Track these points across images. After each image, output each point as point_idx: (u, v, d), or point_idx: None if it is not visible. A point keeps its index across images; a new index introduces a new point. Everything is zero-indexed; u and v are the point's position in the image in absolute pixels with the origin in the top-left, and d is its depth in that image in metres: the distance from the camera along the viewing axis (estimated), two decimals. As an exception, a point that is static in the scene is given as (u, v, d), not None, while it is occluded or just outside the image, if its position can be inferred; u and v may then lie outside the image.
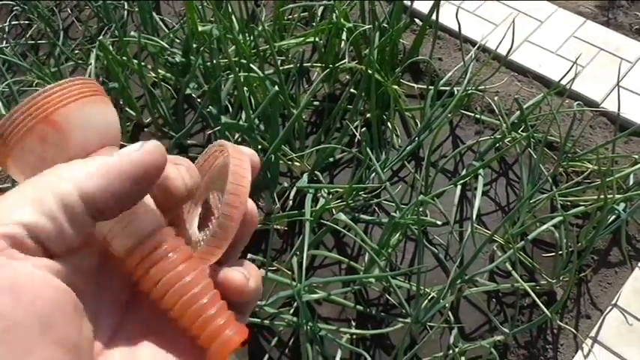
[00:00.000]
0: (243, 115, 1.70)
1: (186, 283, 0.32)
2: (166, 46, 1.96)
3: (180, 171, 0.35)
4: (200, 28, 1.84)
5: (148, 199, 0.34)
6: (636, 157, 1.76)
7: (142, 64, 1.99)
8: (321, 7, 2.16)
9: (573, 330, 1.51)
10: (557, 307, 1.42)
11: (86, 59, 2.09)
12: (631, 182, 1.70)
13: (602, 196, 1.51)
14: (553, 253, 1.62)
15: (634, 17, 2.21)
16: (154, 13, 2.12)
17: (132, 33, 2.05)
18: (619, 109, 1.69)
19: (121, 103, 1.84)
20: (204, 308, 0.32)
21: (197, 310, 0.32)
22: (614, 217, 1.61)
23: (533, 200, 1.62)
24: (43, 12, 2.29)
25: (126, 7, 2.26)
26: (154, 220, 0.34)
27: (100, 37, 2.15)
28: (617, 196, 1.59)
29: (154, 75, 1.90)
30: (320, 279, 1.43)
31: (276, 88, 1.54)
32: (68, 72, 2.08)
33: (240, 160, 0.36)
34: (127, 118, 1.96)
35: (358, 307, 1.52)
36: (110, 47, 1.96)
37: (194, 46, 1.89)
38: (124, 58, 1.82)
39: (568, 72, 1.75)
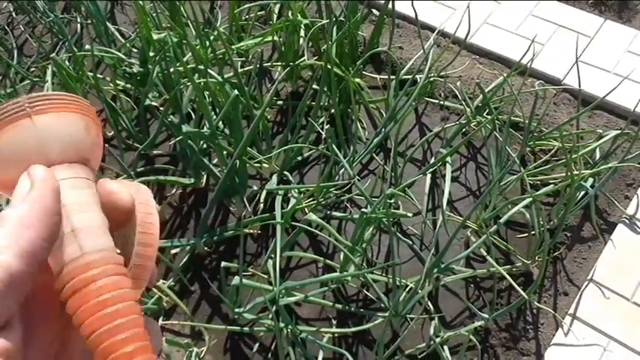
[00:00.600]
0: (207, 122, 1.68)
1: (105, 314, 0.32)
2: (123, 57, 1.93)
3: (124, 184, 0.35)
4: (155, 37, 1.81)
5: (88, 217, 0.34)
6: (600, 131, 1.77)
7: (101, 76, 1.96)
8: (278, 5, 2.14)
9: (551, 310, 1.52)
10: (533, 287, 1.43)
11: (43, 77, 2.05)
12: (597, 156, 1.71)
13: (569, 174, 1.52)
14: (526, 234, 1.62)
15: (589, -9, 2.22)
16: (109, 24, 2.08)
17: (87, 46, 2.01)
18: (580, 85, 1.69)
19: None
20: (114, 332, 0.31)
21: (106, 333, 0.31)
22: (583, 192, 1.62)
23: (503, 182, 1.62)
24: (-5, 31, 2.25)
25: (79, 20, 2.22)
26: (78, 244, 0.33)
27: (55, 52, 2.11)
28: (585, 171, 1.60)
29: (112, 87, 1.87)
30: (296, 282, 1.41)
31: (236, 92, 1.52)
32: (24, 91, 2.04)
33: (147, 206, 0.36)
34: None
35: (337, 305, 1.51)
36: (67, 62, 1.93)
37: (151, 54, 1.86)
38: (79, 73, 1.79)
39: (527, 51, 1.75)
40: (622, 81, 1.78)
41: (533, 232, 1.50)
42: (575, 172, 1.52)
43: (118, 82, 1.93)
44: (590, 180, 1.64)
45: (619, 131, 1.67)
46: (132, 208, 0.35)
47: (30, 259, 0.30)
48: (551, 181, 1.70)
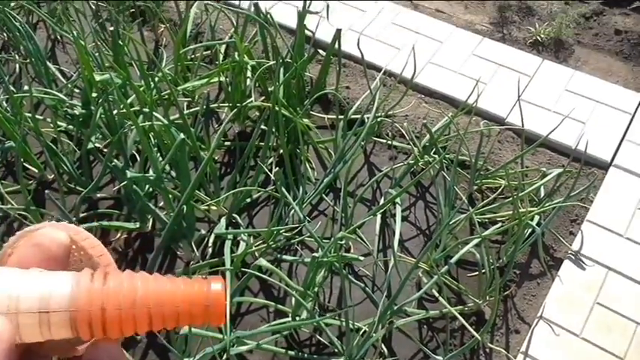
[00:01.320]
0: (152, 166, 1.64)
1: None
2: (64, 98, 1.87)
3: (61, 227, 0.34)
4: (98, 78, 1.77)
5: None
6: (544, 169, 1.81)
7: (41, 117, 1.89)
8: (224, 46, 2.13)
9: (504, 350, 1.53)
10: (486, 328, 1.43)
11: (-22, 118, 1.96)
12: (542, 194, 1.74)
13: (516, 212, 1.54)
14: (477, 273, 1.63)
15: (527, 31, 2.30)
16: (50, 63, 2.02)
17: (25, 87, 1.94)
18: (523, 124, 1.73)
19: (21, 161, 1.74)
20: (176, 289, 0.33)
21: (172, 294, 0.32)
22: (530, 230, 1.64)
23: (453, 222, 1.63)
24: None
25: (17, 59, 2.15)
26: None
27: (-9, 93, 2.03)
28: (531, 209, 1.63)
29: (53, 129, 1.80)
30: (247, 332, 1.38)
31: (182, 135, 1.49)
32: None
33: (90, 240, 0.36)
34: (29, 176, 1.86)
35: (290, 352, 1.48)
36: (4, 104, 1.86)
37: (94, 96, 1.81)
38: (18, 115, 1.72)
39: (472, 92, 1.79)
40: (562, 120, 1.83)
41: (483, 271, 1.51)
42: (522, 210, 1.55)
43: (59, 123, 1.87)
44: (537, 217, 1.66)
45: (562, 169, 1.71)
46: (69, 243, 0.34)
47: None
48: (498, 219, 1.72)
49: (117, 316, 0.32)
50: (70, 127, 1.93)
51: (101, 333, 0.32)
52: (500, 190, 1.78)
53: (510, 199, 1.68)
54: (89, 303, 0.32)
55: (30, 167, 1.85)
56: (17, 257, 0.33)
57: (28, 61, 2.07)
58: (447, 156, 1.80)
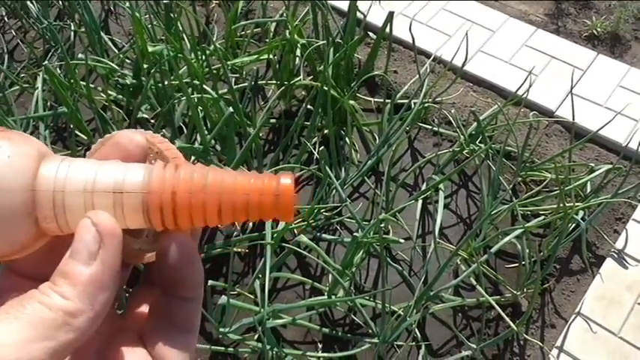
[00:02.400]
0: (199, 136, 1.66)
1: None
2: (116, 67, 1.90)
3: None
4: (150, 49, 1.79)
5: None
6: (592, 164, 1.78)
7: (92, 86, 1.93)
8: (274, 24, 2.13)
9: (539, 342, 1.51)
10: (523, 319, 1.42)
11: (33, 83, 2.02)
12: (588, 190, 1.71)
13: (561, 206, 1.52)
14: (516, 264, 1.62)
15: (582, 25, 2.25)
16: (103, 33, 2.06)
17: (80, 55, 1.98)
18: (573, 118, 1.70)
19: (71, 127, 1.78)
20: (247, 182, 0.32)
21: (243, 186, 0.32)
22: (573, 225, 1.62)
23: (495, 212, 1.62)
24: (-14, 35, 2.22)
25: (72, 27, 2.20)
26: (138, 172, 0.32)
27: (47, 59, 2.08)
28: (577, 204, 1.60)
29: (104, 97, 1.84)
30: (283, 305, 1.39)
31: (231, 109, 1.51)
32: (14, 97, 2.01)
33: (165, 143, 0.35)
34: (79, 143, 1.90)
35: (324, 329, 1.49)
36: (58, 70, 1.90)
37: (145, 67, 1.84)
38: (71, 81, 1.76)
39: (523, 83, 1.76)
40: (615, 116, 1.79)
41: (523, 263, 1.50)
42: (568, 205, 1.52)
43: (109, 92, 1.90)
44: (581, 213, 1.64)
45: (610, 166, 1.68)
46: (146, 143, 0.34)
47: (99, 319, 0.30)
48: (541, 212, 1.69)
49: (187, 199, 0.31)
50: (120, 96, 1.96)
51: (172, 219, 0.31)
52: (545, 183, 1.76)
53: (555, 192, 1.66)
54: (161, 187, 0.31)
55: (79, 134, 1.89)
56: (98, 156, 0.34)
57: (82, 30, 2.11)
58: (492, 146, 1.78)
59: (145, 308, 0.36)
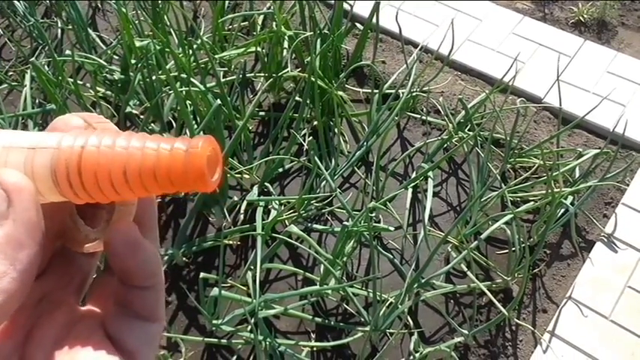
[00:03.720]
0: (188, 131, 1.66)
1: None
2: (104, 63, 1.90)
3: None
4: (137, 44, 1.79)
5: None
6: (580, 149, 1.79)
7: (80, 82, 1.93)
8: (262, 16, 2.13)
9: (530, 327, 1.52)
10: (513, 304, 1.43)
11: (21, 81, 2.01)
12: (577, 175, 1.72)
13: (550, 191, 1.53)
14: (506, 251, 1.63)
15: (569, 11, 2.25)
16: (90, 30, 2.06)
17: (67, 51, 1.98)
18: (560, 104, 1.71)
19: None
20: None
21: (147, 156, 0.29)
22: (563, 210, 1.63)
23: (484, 199, 1.63)
24: (-28, 34, 2.21)
25: (60, 25, 2.19)
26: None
27: (34, 57, 2.07)
28: (565, 189, 1.61)
29: (92, 94, 1.84)
30: (276, 295, 1.40)
31: (219, 101, 1.51)
32: (2, 95, 2.00)
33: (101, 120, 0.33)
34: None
35: (317, 318, 1.50)
36: (46, 67, 1.90)
37: (133, 62, 1.83)
38: (59, 78, 1.76)
39: (510, 69, 1.77)
40: (601, 101, 1.80)
41: (513, 249, 1.51)
42: (556, 190, 1.53)
43: (98, 88, 1.90)
44: (570, 198, 1.65)
45: (598, 150, 1.69)
46: (83, 125, 0.32)
47: (27, 280, 0.29)
48: (531, 199, 1.70)
49: (92, 156, 0.29)
50: (109, 92, 1.96)
51: (77, 179, 0.29)
52: (534, 169, 1.77)
53: (544, 178, 1.67)
54: (72, 144, 0.29)
55: (69, 130, 1.89)
56: None
57: (69, 27, 2.11)
58: (481, 133, 1.79)
59: (107, 295, 0.35)
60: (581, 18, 2.21)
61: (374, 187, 1.66)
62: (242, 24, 2.17)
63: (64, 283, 0.34)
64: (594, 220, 1.71)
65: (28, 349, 0.31)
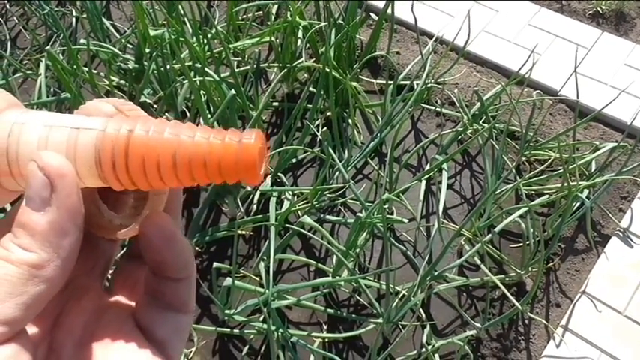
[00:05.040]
0: (202, 120, 1.66)
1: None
2: (118, 52, 1.90)
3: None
4: (152, 33, 1.79)
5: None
6: (597, 143, 1.77)
7: (95, 71, 1.93)
8: (276, 6, 2.12)
9: (544, 321, 1.52)
10: (527, 298, 1.42)
11: (36, 70, 2.02)
12: (593, 168, 1.70)
13: (565, 185, 1.51)
14: (520, 244, 1.62)
15: (587, 3, 2.23)
16: (104, 19, 2.06)
17: (82, 40, 1.98)
18: (577, 96, 1.69)
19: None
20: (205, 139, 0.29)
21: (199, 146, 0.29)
22: (578, 204, 1.61)
23: (498, 191, 1.62)
24: (-12, 22, 2.22)
25: (74, 13, 2.19)
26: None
27: (49, 45, 2.08)
28: (581, 183, 1.60)
29: (107, 82, 1.84)
30: (288, 285, 1.40)
31: (233, 91, 1.50)
32: (17, 84, 2.01)
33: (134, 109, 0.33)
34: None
35: (329, 310, 1.50)
36: (60, 56, 1.90)
37: (147, 51, 1.83)
38: (74, 67, 1.76)
39: (526, 61, 1.75)
40: (619, 94, 1.78)
41: (527, 242, 1.50)
42: (572, 184, 1.52)
43: (112, 77, 1.90)
44: (586, 192, 1.63)
45: (615, 144, 1.67)
46: (114, 112, 0.32)
47: (68, 267, 0.29)
48: (545, 192, 1.69)
49: (142, 140, 0.29)
50: (123, 81, 1.96)
51: (123, 164, 0.29)
52: (549, 162, 1.75)
53: (559, 171, 1.65)
54: (118, 126, 0.29)
55: (83, 119, 1.89)
56: None
57: (84, 16, 2.11)
58: (496, 125, 1.77)
59: (133, 284, 0.36)
60: (599, 9, 2.19)
61: (387, 179, 1.65)
62: (256, 14, 2.16)
63: (88, 268, 0.34)
64: (610, 215, 1.69)
65: (56, 336, 0.31)
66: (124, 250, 0.37)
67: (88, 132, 0.29)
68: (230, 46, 1.91)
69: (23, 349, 0.27)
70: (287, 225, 1.53)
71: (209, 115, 1.67)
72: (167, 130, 0.29)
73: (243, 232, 1.65)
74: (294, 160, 1.78)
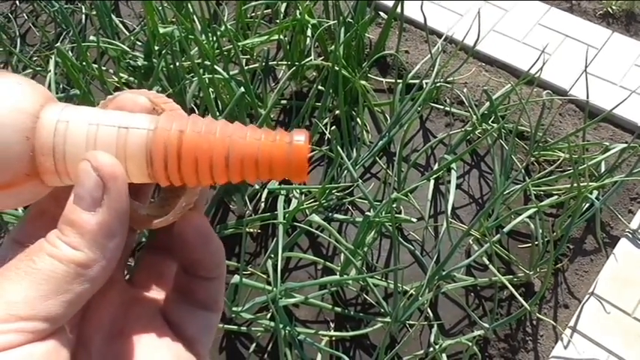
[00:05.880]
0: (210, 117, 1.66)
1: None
2: (127, 49, 1.91)
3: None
4: (161, 30, 1.79)
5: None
6: (606, 143, 1.76)
7: (104, 68, 1.94)
8: (285, 4, 2.12)
9: (552, 321, 1.51)
10: (535, 299, 1.42)
11: (45, 66, 2.02)
12: (602, 169, 1.70)
13: (575, 185, 1.50)
14: (529, 244, 1.61)
15: (597, 2, 2.21)
16: (113, 16, 2.06)
17: (91, 37, 1.98)
18: (587, 96, 1.68)
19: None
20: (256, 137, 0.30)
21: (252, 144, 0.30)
22: (587, 205, 1.61)
23: (507, 192, 1.61)
24: (-2, 18, 2.22)
25: (84, 10, 2.20)
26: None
27: (59, 42, 2.08)
28: (590, 184, 1.59)
29: (116, 79, 1.85)
30: (296, 283, 1.40)
31: (242, 89, 1.50)
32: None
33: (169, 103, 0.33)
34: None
35: (336, 308, 1.49)
36: (70, 53, 1.91)
37: (156, 48, 1.84)
38: (83, 63, 1.77)
39: (536, 61, 1.74)
40: (629, 95, 1.77)
41: (536, 243, 1.49)
42: (581, 184, 1.51)
43: (121, 74, 1.91)
44: (595, 193, 1.63)
45: (625, 145, 1.66)
46: (150, 105, 0.32)
47: (112, 266, 0.29)
48: (555, 192, 1.68)
49: (195, 139, 0.29)
50: (132, 78, 1.96)
51: (175, 163, 0.29)
52: (558, 162, 1.74)
53: (569, 172, 1.64)
54: (168, 127, 0.29)
55: (92, 116, 1.90)
56: None
57: (93, 12, 2.12)
58: (505, 125, 1.77)
59: (157, 278, 0.36)
60: (609, 9, 2.17)
61: (395, 178, 1.65)
62: (265, 11, 2.16)
63: None
64: (619, 216, 1.69)
65: (84, 330, 0.31)
66: (144, 241, 0.37)
67: (137, 131, 0.29)
68: (239, 43, 1.91)
69: (62, 345, 0.27)
70: (295, 223, 1.53)
71: (217, 113, 1.67)
72: (218, 130, 0.30)
73: (251, 230, 1.65)
74: (302, 159, 1.77)
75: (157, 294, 0.35)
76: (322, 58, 1.91)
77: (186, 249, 0.33)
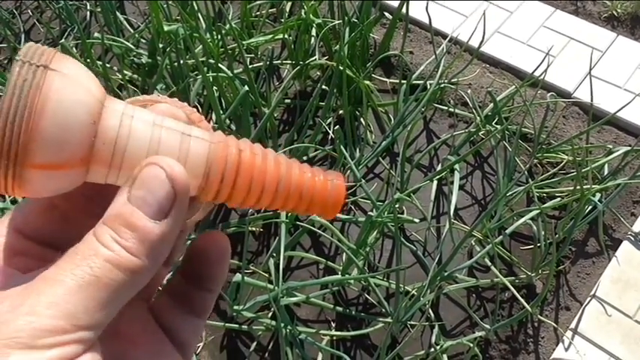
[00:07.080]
0: (214, 116, 1.66)
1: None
2: (132, 46, 1.91)
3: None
4: (166, 28, 1.79)
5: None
6: (610, 146, 1.76)
7: (108, 65, 1.94)
8: (290, 3, 2.12)
9: (553, 323, 1.51)
10: (537, 301, 1.42)
11: (49, 62, 2.02)
12: (606, 172, 1.69)
13: (578, 187, 1.50)
14: (531, 246, 1.61)
15: (602, 5, 2.21)
16: (118, 13, 2.07)
17: (96, 34, 1.99)
18: (592, 99, 1.68)
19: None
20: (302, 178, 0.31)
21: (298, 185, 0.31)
22: (590, 207, 1.61)
23: (510, 193, 1.61)
24: (3, 14, 2.22)
25: (89, 7, 2.20)
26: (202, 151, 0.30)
27: (63, 39, 2.09)
28: (594, 186, 1.59)
29: (120, 77, 1.85)
30: (297, 283, 1.40)
31: (246, 87, 1.50)
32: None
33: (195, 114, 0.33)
34: (94, 122, 1.91)
35: (337, 308, 1.50)
36: (74, 50, 1.91)
37: (160, 46, 1.84)
38: (87, 60, 1.77)
39: (541, 63, 1.74)
40: (633, 98, 1.77)
41: (538, 245, 1.49)
42: (584, 187, 1.51)
43: (125, 71, 1.91)
44: (598, 195, 1.62)
45: (628, 148, 1.66)
46: (187, 122, 0.31)
47: (156, 270, 0.28)
48: (557, 195, 1.68)
49: (253, 161, 0.30)
50: (136, 76, 1.97)
51: (232, 180, 0.29)
52: (561, 165, 1.74)
53: (572, 174, 1.64)
54: (226, 143, 0.30)
55: (96, 113, 1.90)
56: None
57: (98, 9, 2.12)
58: (509, 127, 1.77)
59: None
60: (614, 12, 2.17)
61: (399, 179, 1.65)
62: (270, 10, 2.16)
63: None
64: (621, 219, 1.68)
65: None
66: None
67: (200, 141, 0.29)
68: (244, 42, 1.91)
69: (98, 354, 0.27)
70: (297, 222, 1.53)
71: (221, 111, 1.67)
72: (272, 157, 0.31)
73: (254, 229, 1.66)
74: (305, 158, 1.78)
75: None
76: (327, 57, 1.91)
77: (204, 264, 0.33)
